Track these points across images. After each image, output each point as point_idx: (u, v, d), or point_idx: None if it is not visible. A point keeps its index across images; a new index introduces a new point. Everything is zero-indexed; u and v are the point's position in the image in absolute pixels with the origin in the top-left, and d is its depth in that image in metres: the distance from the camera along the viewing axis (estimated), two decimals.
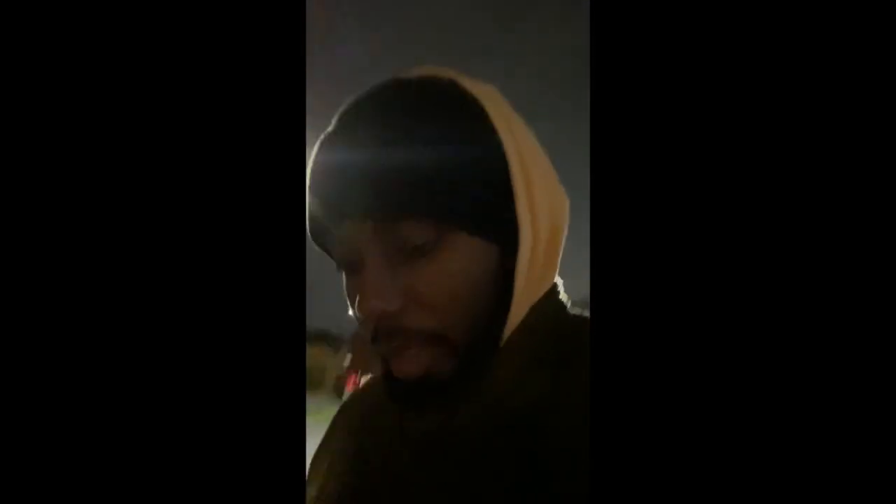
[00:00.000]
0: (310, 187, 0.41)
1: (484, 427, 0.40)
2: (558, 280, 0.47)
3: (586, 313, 0.46)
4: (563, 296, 0.47)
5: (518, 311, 0.42)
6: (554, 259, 0.45)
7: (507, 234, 0.41)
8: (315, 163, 0.41)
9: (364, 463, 0.45)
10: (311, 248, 0.45)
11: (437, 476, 0.40)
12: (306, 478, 0.51)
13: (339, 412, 0.55)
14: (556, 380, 0.40)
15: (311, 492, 0.49)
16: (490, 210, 0.40)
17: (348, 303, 0.43)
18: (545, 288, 0.44)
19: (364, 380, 0.56)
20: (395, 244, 0.39)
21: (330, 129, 0.41)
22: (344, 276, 0.43)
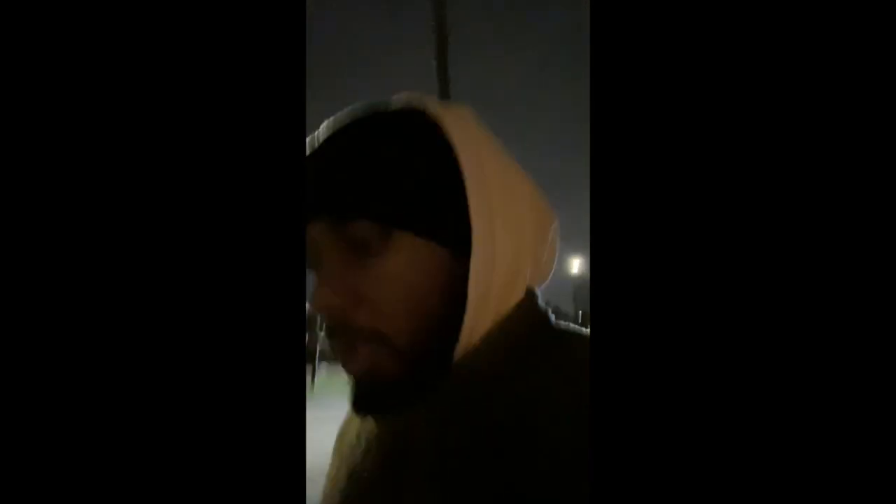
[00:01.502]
0: None
1: (451, 437, 0.41)
2: (538, 292, 0.48)
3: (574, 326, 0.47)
4: (542, 307, 0.47)
5: (476, 319, 0.42)
6: (523, 271, 0.45)
7: (461, 241, 0.42)
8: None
9: (351, 485, 0.48)
10: None
11: (412, 493, 0.41)
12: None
13: (337, 438, 0.57)
14: (534, 393, 0.41)
15: None
16: (440, 216, 0.42)
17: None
18: (514, 300, 0.45)
19: None
20: (345, 243, 0.42)
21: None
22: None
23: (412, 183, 0.42)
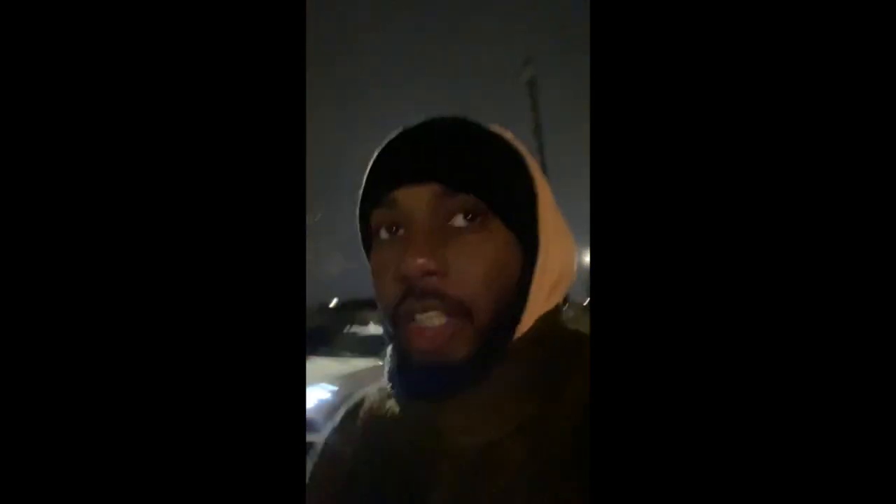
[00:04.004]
0: (381, 152, 0.48)
1: (484, 435, 0.44)
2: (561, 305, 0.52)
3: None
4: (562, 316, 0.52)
5: (529, 316, 0.47)
6: (559, 288, 0.51)
7: (532, 245, 0.47)
8: (389, 148, 0.48)
9: (376, 483, 0.49)
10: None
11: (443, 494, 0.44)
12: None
13: (340, 431, 0.58)
14: (554, 391, 0.45)
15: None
16: (525, 217, 0.47)
17: (372, 274, 0.48)
18: (550, 306, 0.50)
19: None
20: (447, 213, 0.44)
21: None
22: (375, 247, 0.48)
23: (513, 182, 0.47)
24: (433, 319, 0.43)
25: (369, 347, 4.89)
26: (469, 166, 0.45)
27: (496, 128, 0.51)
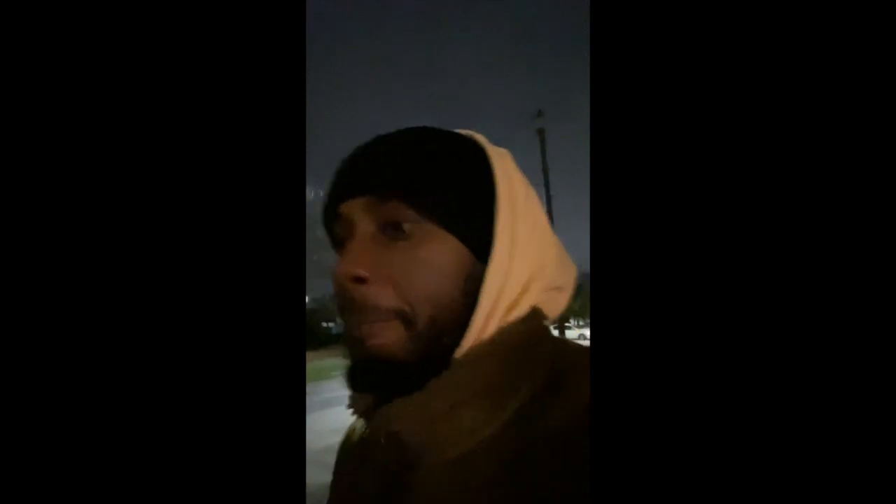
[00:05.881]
0: (333, 180, 0.48)
1: (450, 446, 0.42)
2: (541, 311, 0.50)
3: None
4: (544, 323, 0.50)
5: (484, 323, 0.45)
6: (532, 293, 0.48)
7: (484, 250, 0.46)
8: (341, 164, 0.49)
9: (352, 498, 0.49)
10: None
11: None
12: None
13: (340, 446, 0.58)
14: (517, 406, 0.43)
15: None
16: (470, 219, 0.46)
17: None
18: (518, 315, 0.47)
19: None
20: (379, 221, 0.45)
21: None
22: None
23: (451, 182, 0.45)
24: (373, 326, 0.43)
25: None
26: (395, 174, 0.45)
27: (462, 133, 0.50)
